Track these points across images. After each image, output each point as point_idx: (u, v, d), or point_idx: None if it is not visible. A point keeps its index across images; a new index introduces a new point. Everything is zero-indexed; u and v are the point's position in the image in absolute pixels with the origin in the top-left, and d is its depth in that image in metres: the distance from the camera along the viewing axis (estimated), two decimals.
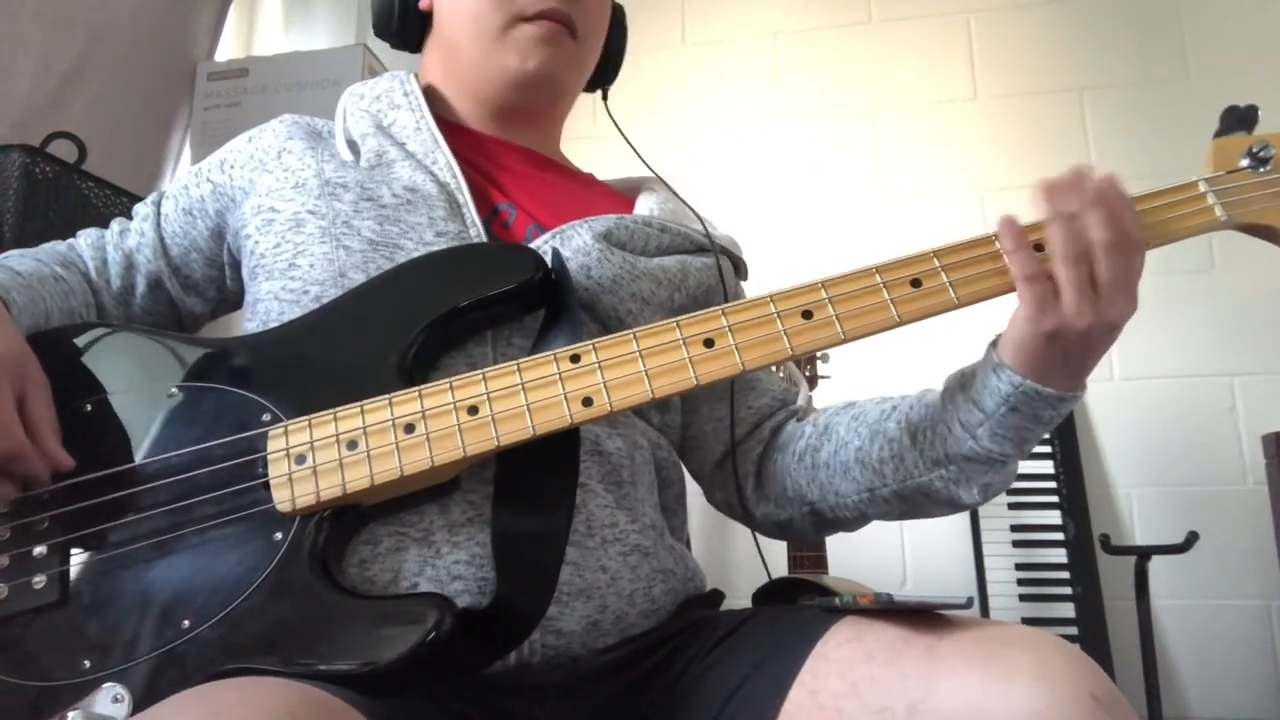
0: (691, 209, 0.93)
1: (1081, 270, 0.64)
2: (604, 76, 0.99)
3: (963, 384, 0.73)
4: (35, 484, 0.65)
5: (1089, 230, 0.64)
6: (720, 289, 0.88)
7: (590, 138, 1.14)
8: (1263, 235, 0.73)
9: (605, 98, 1.03)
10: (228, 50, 2.08)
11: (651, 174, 0.99)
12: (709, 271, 0.88)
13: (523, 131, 0.91)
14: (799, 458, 0.84)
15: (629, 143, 0.98)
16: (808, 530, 0.87)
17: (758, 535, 0.92)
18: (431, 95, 0.90)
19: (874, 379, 2.13)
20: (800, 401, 0.91)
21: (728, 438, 0.89)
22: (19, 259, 0.80)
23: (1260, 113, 0.75)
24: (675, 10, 2.65)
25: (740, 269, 0.96)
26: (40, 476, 0.65)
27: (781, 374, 0.99)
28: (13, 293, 0.72)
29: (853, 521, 0.84)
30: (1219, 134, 0.75)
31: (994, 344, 0.71)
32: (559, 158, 0.97)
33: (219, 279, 0.88)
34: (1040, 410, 0.68)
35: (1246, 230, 0.73)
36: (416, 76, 0.91)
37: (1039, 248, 0.66)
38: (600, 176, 0.99)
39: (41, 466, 0.65)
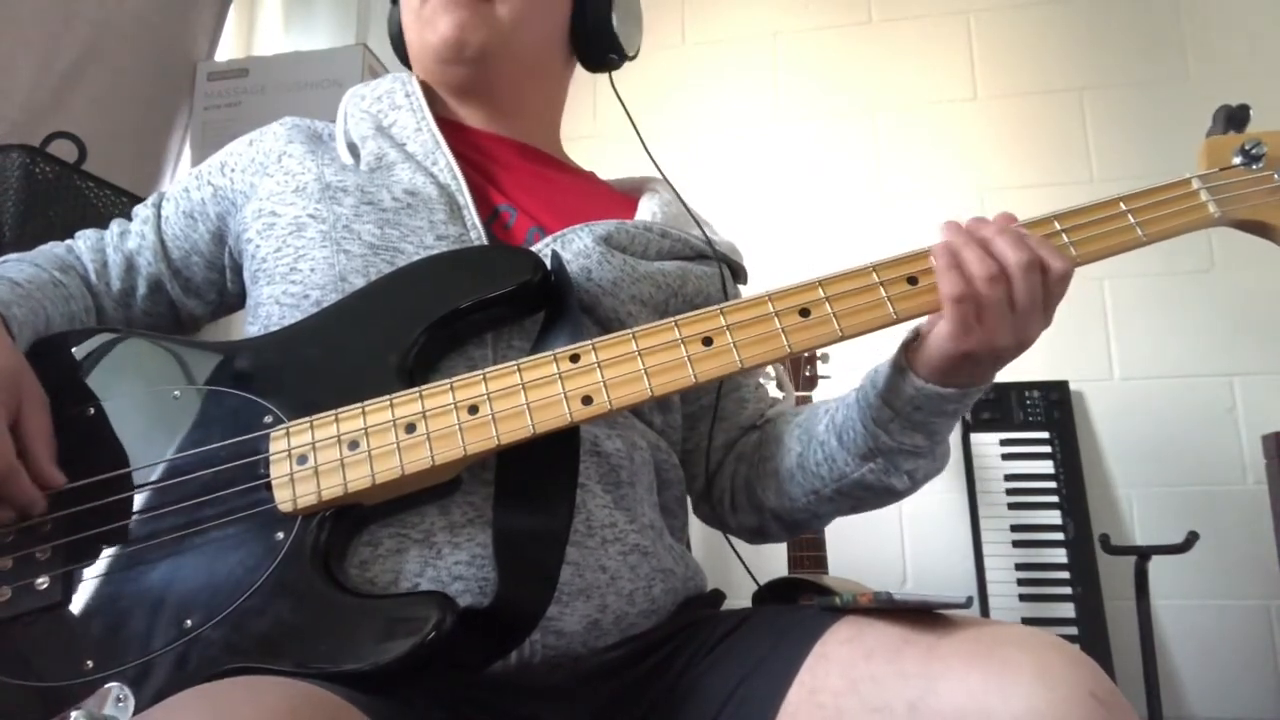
0: (693, 214, 0.93)
1: (999, 289, 0.66)
2: (593, 43, 0.93)
3: (874, 381, 0.76)
4: (27, 511, 0.64)
5: (1003, 253, 0.67)
6: (722, 298, 0.89)
7: (590, 137, 1.14)
8: (1256, 231, 0.75)
9: (611, 73, 0.96)
10: (228, 50, 2.08)
11: (652, 172, 0.99)
12: (708, 280, 0.88)
13: (505, 119, 0.90)
14: (755, 467, 0.87)
15: (635, 129, 0.96)
16: (778, 534, 0.90)
17: (734, 542, 0.94)
18: (432, 96, 0.90)
19: None
20: (772, 413, 0.92)
21: (719, 458, 0.91)
22: (16, 266, 0.79)
23: (1252, 111, 0.76)
24: (675, 10, 2.65)
25: (739, 275, 0.96)
26: (31, 504, 0.63)
27: (773, 377, 1.00)
28: (12, 307, 0.71)
29: (810, 522, 0.87)
30: (1211, 132, 0.77)
31: (905, 345, 0.73)
32: (559, 154, 0.96)
33: (219, 282, 0.88)
34: (945, 406, 0.72)
35: (1240, 226, 0.75)
36: (418, 77, 0.91)
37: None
38: (601, 176, 0.99)
39: (32, 494, 0.63)
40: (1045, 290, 0.67)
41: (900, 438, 0.74)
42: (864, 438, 0.76)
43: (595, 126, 1.02)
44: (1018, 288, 0.66)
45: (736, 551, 0.94)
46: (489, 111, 0.90)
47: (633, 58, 0.96)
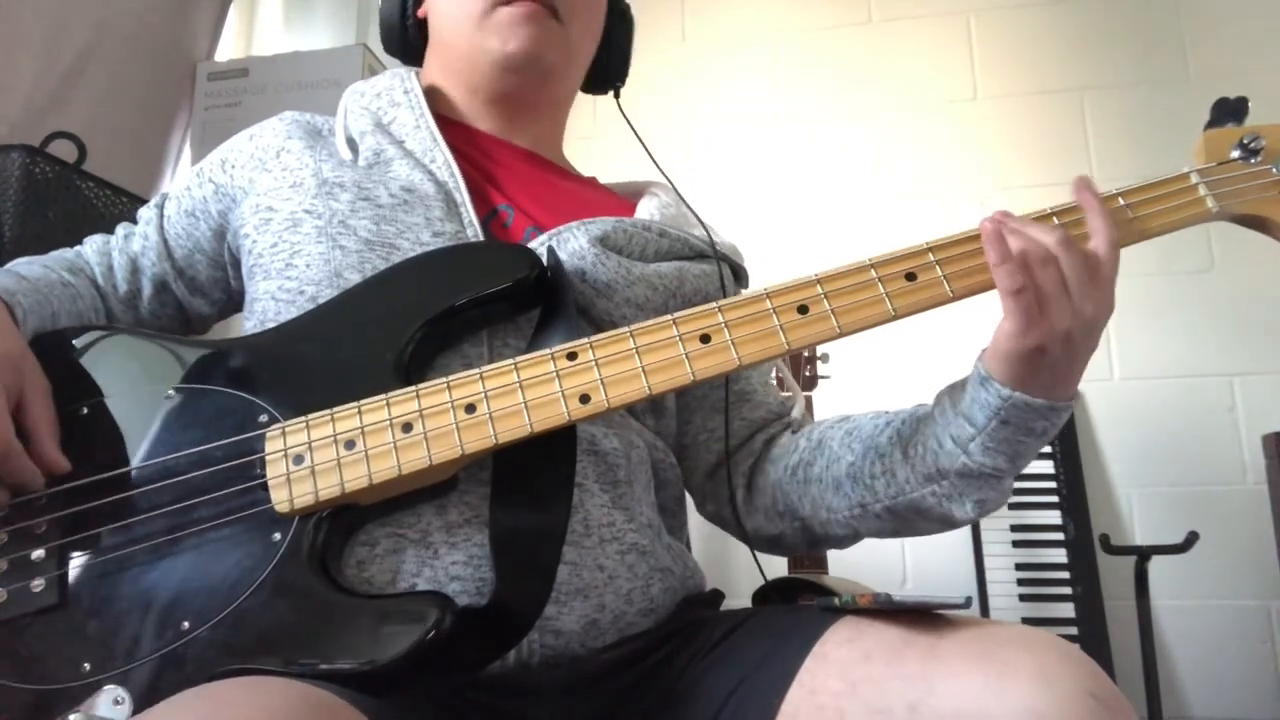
0: (695, 214, 0.92)
1: (1052, 271, 0.65)
2: (611, 73, 0.99)
3: (953, 398, 0.72)
4: (26, 488, 0.64)
5: (1040, 235, 0.66)
6: (721, 298, 0.88)
7: (590, 138, 1.14)
8: (1254, 226, 0.74)
9: (618, 96, 1.02)
10: (228, 50, 2.08)
11: (652, 176, 0.98)
12: (706, 279, 0.88)
13: (521, 127, 0.91)
14: (791, 472, 0.83)
15: (642, 143, 0.97)
16: (799, 545, 0.87)
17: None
18: (432, 94, 0.90)
19: (874, 379, 2.13)
20: (796, 414, 0.91)
21: (720, 448, 0.88)
22: (26, 265, 0.80)
23: (1250, 104, 0.75)
24: (675, 10, 2.65)
25: (741, 276, 0.95)
26: (30, 482, 0.64)
27: (777, 375, 0.99)
28: (18, 296, 0.72)
29: (843, 538, 0.82)
30: (1210, 126, 0.76)
31: (981, 356, 0.70)
32: (561, 160, 0.97)
33: (224, 280, 0.88)
34: (1031, 422, 0.68)
35: (1238, 221, 0.74)
36: (418, 75, 0.91)
37: None
38: (601, 178, 0.99)
39: (31, 471, 0.64)
40: (1086, 261, 0.66)
41: (982, 458, 0.69)
42: (937, 456, 0.71)
43: (595, 127, 1.02)
44: (1064, 265, 0.65)
45: (752, 550, 0.92)
46: (509, 120, 0.90)
47: (623, 85, 1.03)
